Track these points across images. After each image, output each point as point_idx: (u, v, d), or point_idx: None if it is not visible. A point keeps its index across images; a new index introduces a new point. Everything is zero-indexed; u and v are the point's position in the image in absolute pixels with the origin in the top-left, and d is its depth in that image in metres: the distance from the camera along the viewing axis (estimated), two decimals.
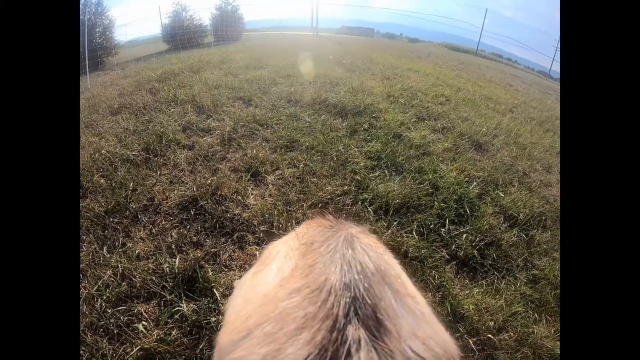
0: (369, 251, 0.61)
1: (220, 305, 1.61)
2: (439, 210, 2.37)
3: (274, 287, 0.57)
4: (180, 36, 10.46)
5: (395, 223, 2.23)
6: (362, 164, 2.79)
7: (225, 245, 1.95)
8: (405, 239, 2.11)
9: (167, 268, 1.77)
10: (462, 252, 2.07)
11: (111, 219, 2.11)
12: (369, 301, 0.48)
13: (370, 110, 4.04)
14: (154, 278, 1.73)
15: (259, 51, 8.88)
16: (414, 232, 2.17)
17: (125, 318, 1.56)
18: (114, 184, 2.35)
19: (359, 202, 2.39)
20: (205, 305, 1.62)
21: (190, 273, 1.74)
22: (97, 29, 10.18)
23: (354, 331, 0.44)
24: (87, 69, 6.54)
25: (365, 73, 6.68)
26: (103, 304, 1.60)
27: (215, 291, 1.67)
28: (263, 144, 3.03)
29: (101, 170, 2.54)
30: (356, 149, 3.05)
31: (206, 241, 1.96)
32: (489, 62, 18.47)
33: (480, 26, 22.39)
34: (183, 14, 13.48)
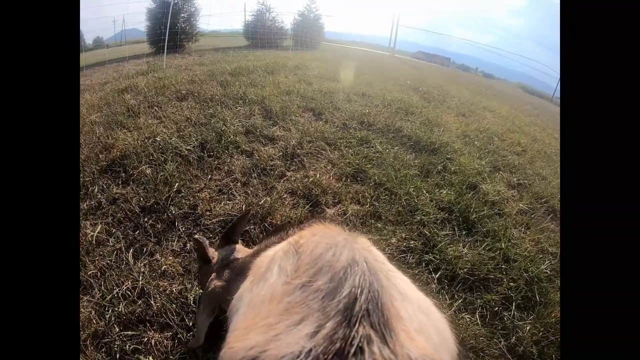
0: (372, 264, 0.58)
1: None
2: (507, 290, 1.92)
3: (278, 287, 0.56)
4: (261, 35, 10.65)
5: (460, 300, 1.81)
6: (432, 215, 2.34)
7: None
8: (468, 322, 1.71)
9: (192, 298, 1.47)
10: (522, 347, 1.65)
11: (146, 219, 1.86)
12: (374, 306, 0.46)
13: (445, 150, 3.57)
14: (174, 307, 1.44)
15: (336, 63, 8.67)
16: (477, 315, 1.76)
17: (132, 346, 1.31)
18: (158, 179, 2.10)
19: (423, 264, 1.97)
20: None
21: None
22: (183, 14, 10.62)
23: (364, 330, 0.42)
24: (165, 50, 6.69)
25: (440, 105, 6.18)
26: (112, 319, 1.38)
27: None
28: (328, 168, 2.68)
29: (150, 159, 2.32)
30: (427, 195, 2.61)
31: None
32: None
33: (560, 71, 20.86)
34: (267, 14, 13.85)
